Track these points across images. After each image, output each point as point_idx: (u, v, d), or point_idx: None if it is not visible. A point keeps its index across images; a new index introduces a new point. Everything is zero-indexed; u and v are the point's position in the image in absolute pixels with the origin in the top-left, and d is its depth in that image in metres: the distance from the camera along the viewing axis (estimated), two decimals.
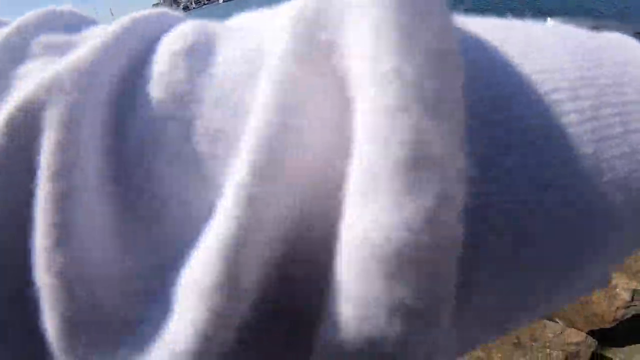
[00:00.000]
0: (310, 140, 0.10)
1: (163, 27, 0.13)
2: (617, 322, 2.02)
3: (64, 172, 0.10)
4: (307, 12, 0.10)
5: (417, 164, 0.08)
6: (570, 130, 0.11)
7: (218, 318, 0.09)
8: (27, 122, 0.10)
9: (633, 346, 2.01)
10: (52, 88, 0.10)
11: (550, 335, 1.96)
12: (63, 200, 0.10)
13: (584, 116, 0.12)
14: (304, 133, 0.10)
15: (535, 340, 1.96)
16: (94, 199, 0.10)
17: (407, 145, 0.08)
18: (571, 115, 0.12)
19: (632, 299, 2.03)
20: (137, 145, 0.11)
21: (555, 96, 0.12)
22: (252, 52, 0.12)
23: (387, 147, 0.08)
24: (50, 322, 0.10)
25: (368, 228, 0.09)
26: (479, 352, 1.91)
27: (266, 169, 0.09)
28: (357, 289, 0.09)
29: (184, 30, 0.12)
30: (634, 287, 2.05)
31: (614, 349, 2.04)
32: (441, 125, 0.08)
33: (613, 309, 2.02)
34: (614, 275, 2.14)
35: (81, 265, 0.10)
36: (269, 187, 0.09)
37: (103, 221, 0.11)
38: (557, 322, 2.04)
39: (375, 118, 0.09)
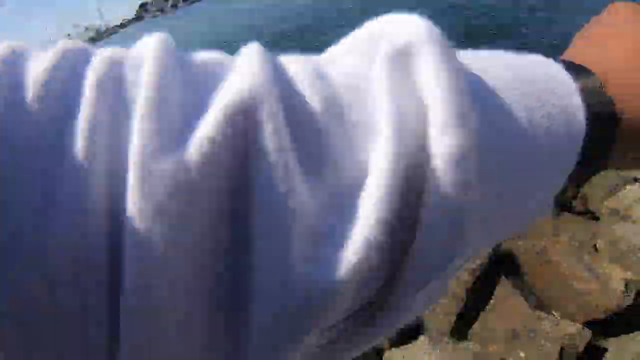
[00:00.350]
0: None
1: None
2: (612, 312, 2.02)
3: (280, 149, 0.15)
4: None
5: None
6: (514, 104, 0.20)
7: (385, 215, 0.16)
8: (244, 116, 0.15)
9: (627, 336, 2.00)
10: (256, 94, 0.15)
11: (546, 327, 1.95)
12: (283, 169, 0.15)
13: (521, 100, 0.20)
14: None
15: (531, 332, 1.95)
16: (297, 168, 0.15)
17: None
18: (513, 99, 0.20)
19: (627, 290, 2.03)
20: (309, 125, 0.16)
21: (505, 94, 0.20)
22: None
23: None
24: (279, 249, 0.15)
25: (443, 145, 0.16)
26: (474, 345, 1.90)
27: (402, 139, 0.16)
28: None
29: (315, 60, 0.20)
30: (628, 278, 2.06)
31: (608, 339, 2.03)
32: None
33: (608, 298, 2.02)
34: (607, 265, 2.15)
35: (301, 208, 0.15)
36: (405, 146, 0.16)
37: (303, 179, 0.15)
38: (553, 315, 2.03)
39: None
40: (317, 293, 0.15)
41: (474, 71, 0.20)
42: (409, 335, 2.11)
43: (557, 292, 2.16)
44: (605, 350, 1.98)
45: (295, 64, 0.18)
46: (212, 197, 0.15)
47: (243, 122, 0.15)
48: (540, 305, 2.13)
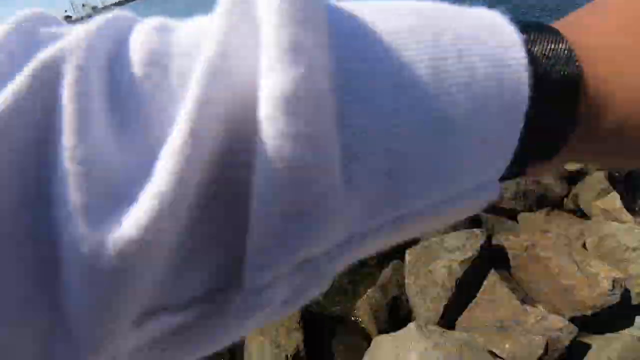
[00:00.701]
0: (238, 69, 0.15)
1: (131, 21, 0.18)
2: (598, 309, 2.04)
3: (79, 97, 0.15)
4: None
5: (295, 50, 0.14)
6: (413, 60, 0.16)
7: (183, 172, 0.13)
8: (51, 71, 0.15)
9: (612, 335, 2.02)
10: (65, 51, 0.15)
11: (533, 320, 1.96)
12: (80, 114, 0.14)
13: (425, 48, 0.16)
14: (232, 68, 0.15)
15: (518, 325, 1.96)
16: (102, 117, 0.15)
17: (287, 38, 0.14)
18: (412, 46, 0.16)
19: (613, 287, 2.05)
20: (128, 81, 0.16)
21: (398, 36, 0.16)
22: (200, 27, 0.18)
23: (277, 38, 0.14)
24: (73, 200, 0.14)
25: (269, 87, 0.14)
26: (461, 334, 1.90)
27: (211, 89, 0.14)
28: (268, 129, 0.14)
29: (150, 19, 0.18)
30: (614, 276, 2.07)
31: (593, 335, 2.05)
32: (309, 31, 0.14)
33: (594, 295, 2.04)
34: (595, 263, 2.17)
35: (95, 158, 0.14)
36: (215, 98, 0.14)
37: (107, 131, 0.15)
38: (540, 309, 2.04)
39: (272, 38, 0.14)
40: (112, 254, 0.13)
41: (359, 16, 0.17)
42: (398, 322, 2.12)
43: (545, 287, 2.18)
44: (589, 346, 2.00)
45: (148, 23, 0.18)
46: (18, 147, 0.15)
47: (49, 74, 0.15)
48: (528, 299, 2.14)
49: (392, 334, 1.89)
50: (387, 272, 2.43)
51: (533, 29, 0.19)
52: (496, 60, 0.17)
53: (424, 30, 0.17)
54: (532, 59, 0.18)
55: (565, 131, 0.19)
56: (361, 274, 2.80)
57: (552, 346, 1.89)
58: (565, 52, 0.18)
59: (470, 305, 2.10)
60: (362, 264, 2.90)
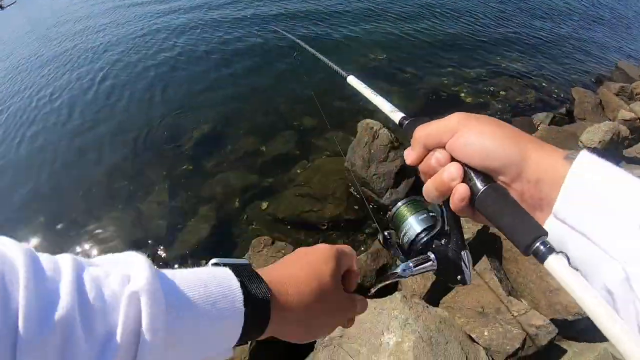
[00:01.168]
0: None
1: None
2: (580, 316, 2.00)
3: None
4: None
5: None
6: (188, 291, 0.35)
7: None
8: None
9: (588, 344, 1.99)
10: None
11: (516, 313, 1.91)
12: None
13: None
14: None
15: (498, 313, 1.91)
16: None
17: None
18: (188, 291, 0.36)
19: None
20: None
21: None
22: None
23: None
24: None
25: None
26: (443, 312, 1.84)
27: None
28: None
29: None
30: None
31: (570, 341, 2.02)
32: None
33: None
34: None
35: None
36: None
37: None
38: (524, 303, 1.99)
39: None
40: None
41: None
42: (383, 290, 2.05)
43: (532, 284, 2.13)
44: (565, 351, 1.97)
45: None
46: None
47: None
48: (514, 292, 2.09)
49: (377, 299, 1.82)
50: (380, 240, 2.36)
51: (245, 277, 0.40)
52: (225, 290, 0.37)
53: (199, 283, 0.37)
54: (245, 291, 0.38)
55: (265, 321, 0.40)
56: (354, 240, 2.74)
57: (529, 342, 1.85)
58: (259, 281, 0.41)
59: (456, 287, 2.04)
60: (357, 230, 2.83)
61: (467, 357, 1.68)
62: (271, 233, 2.65)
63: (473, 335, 1.85)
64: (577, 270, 0.31)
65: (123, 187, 3.53)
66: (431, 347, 1.62)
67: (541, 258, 0.33)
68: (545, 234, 0.34)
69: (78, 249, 3.10)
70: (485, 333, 1.85)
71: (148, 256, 0.34)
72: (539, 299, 2.09)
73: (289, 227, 2.91)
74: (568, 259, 0.32)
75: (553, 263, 0.31)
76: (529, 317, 1.92)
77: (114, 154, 3.95)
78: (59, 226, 3.32)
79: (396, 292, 1.87)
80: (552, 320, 1.95)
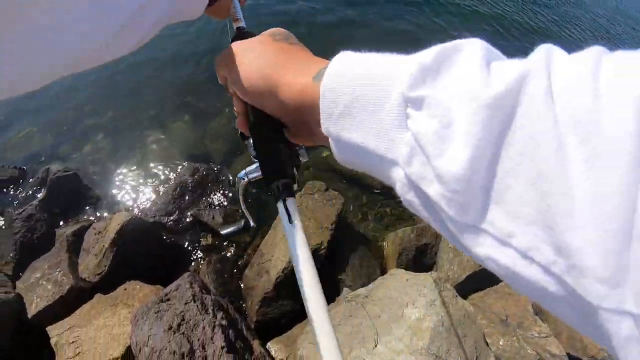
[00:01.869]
0: None
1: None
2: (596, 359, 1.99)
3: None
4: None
5: None
6: None
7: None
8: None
9: None
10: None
11: (536, 334, 1.93)
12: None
13: None
14: None
15: (520, 327, 1.93)
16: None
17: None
18: None
19: None
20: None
21: None
22: None
23: None
24: None
25: None
26: (470, 306, 1.88)
27: None
28: None
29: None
30: None
31: None
32: None
33: (599, 347, 1.99)
34: None
35: None
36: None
37: None
38: (546, 327, 2.00)
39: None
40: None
41: None
42: (417, 267, 2.09)
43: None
44: None
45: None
46: None
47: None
48: (541, 313, 2.10)
49: (411, 272, 1.88)
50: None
51: None
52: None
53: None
54: None
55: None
56: (404, 210, 2.78)
57: None
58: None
59: (489, 288, 2.07)
60: None
61: (477, 358, 1.73)
62: (324, 181, 2.73)
63: (489, 340, 1.88)
64: None
65: (191, 103, 3.64)
66: (449, 334, 1.67)
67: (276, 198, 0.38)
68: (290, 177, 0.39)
69: (140, 149, 3.28)
70: (501, 342, 1.88)
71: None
72: (562, 328, 2.09)
73: (344, 181, 2.98)
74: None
75: (280, 207, 0.36)
76: (549, 342, 1.92)
77: (187, 72, 4.05)
78: (125, 124, 3.49)
79: (431, 271, 1.92)
80: (567, 354, 1.96)
